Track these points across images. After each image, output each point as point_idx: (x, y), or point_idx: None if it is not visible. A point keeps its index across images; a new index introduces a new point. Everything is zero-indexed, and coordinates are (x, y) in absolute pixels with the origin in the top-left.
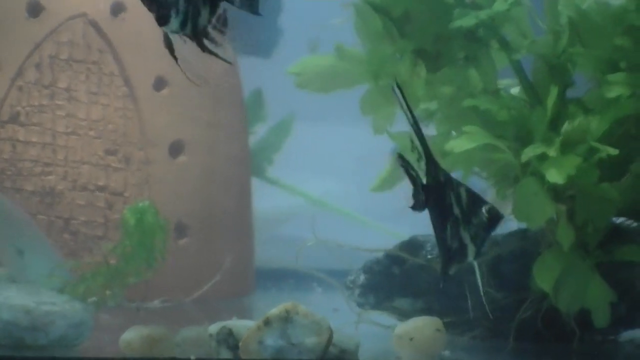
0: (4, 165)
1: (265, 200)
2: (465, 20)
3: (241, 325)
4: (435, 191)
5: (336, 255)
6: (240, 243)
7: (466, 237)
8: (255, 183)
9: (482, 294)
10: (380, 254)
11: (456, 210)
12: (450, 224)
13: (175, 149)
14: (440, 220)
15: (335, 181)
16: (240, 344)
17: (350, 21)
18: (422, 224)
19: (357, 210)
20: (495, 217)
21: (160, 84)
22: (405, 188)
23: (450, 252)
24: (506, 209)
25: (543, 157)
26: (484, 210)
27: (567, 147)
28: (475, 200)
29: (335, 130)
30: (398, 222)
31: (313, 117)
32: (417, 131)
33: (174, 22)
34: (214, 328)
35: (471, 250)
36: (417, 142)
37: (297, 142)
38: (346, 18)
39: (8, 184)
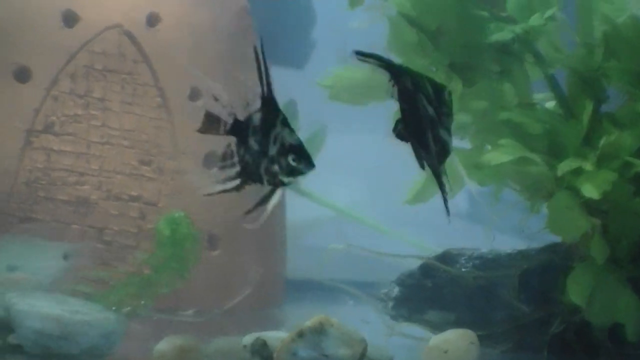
0: (38, 175)
1: (294, 210)
2: (502, 35)
3: (275, 337)
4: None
5: (364, 266)
6: (272, 254)
7: (444, 133)
8: (287, 194)
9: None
10: (412, 267)
11: (430, 111)
12: (430, 129)
13: (209, 160)
14: (423, 143)
15: (361, 191)
16: (274, 355)
17: (383, 33)
18: (448, 235)
19: (383, 219)
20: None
21: (195, 94)
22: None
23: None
24: None
25: (578, 172)
26: (446, 94)
27: (602, 161)
28: (436, 86)
29: (361, 140)
30: (423, 231)
31: (341, 127)
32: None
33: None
34: (247, 339)
35: (450, 141)
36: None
37: (324, 152)
38: (377, 29)
39: (42, 193)
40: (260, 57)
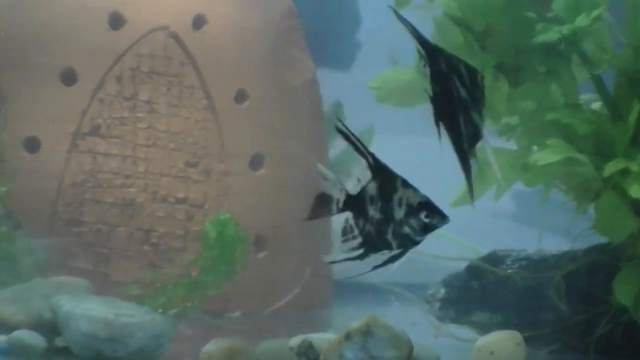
0: (84, 177)
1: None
2: (548, 35)
3: (321, 339)
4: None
5: (412, 267)
6: (318, 255)
7: (476, 116)
8: None
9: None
10: (458, 268)
11: (463, 93)
12: (462, 112)
13: (256, 162)
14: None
15: None
16: (321, 357)
17: (430, 34)
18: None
19: None
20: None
21: (241, 96)
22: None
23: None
24: None
25: (625, 172)
26: (479, 78)
27: None
28: (469, 70)
29: (408, 141)
30: (470, 233)
31: (389, 129)
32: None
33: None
34: (294, 341)
35: (481, 125)
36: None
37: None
38: (423, 29)
39: (88, 195)
40: (349, 132)
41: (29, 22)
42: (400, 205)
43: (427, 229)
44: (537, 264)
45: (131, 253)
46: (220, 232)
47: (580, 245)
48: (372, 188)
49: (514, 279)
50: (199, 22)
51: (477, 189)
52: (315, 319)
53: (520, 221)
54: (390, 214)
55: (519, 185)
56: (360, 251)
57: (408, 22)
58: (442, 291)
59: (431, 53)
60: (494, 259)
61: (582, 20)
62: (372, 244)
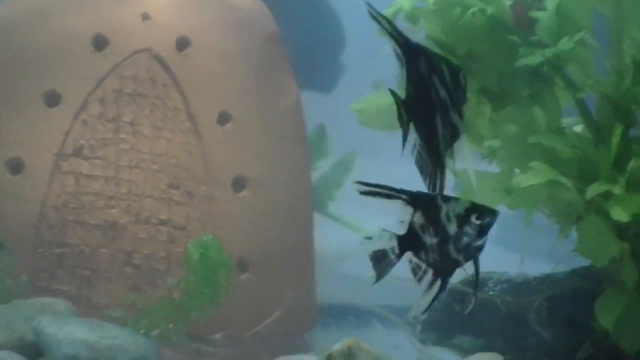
0: (67, 199)
1: (325, 236)
2: (531, 59)
3: None
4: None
5: (395, 290)
6: (301, 279)
7: (455, 116)
8: (317, 218)
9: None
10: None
11: (442, 93)
12: (440, 112)
13: (239, 184)
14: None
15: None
16: None
17: None
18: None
19: None
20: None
21: (224, 118)
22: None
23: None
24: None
25: (607, 195)
26: (461, 76)
27: (632, 185)
28: (452, 68)
29: (394, 165)
30: None
31: (373, 152)
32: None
33: None
34: None
35: (460, 124)
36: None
37: (357, 177)
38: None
39: (71, 217)
40: (379, 190)
41: (11, 43)
42: (449, 220)
43: (483, 230)
44: (520, 287)
45: (114, 275)
46: (203, 255)
47: (563, 268)
48: (418, 218)
49: (496, 302)
50: (182, 44)
51: None
52: (297, 342)
53: (502, 244)
54: (445, 234)
55: (502, 208)
56: (438, 283)
57: (386, 20)
58: (424, 314)
59: (409, 53)
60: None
61: (565, 44)
62: (443, 269)
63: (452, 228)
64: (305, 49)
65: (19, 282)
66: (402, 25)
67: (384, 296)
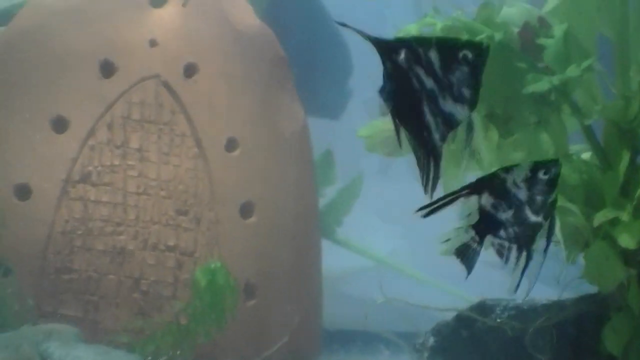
0: (75, 225)
1: (331, 259)
2: (539, 86)
3: None
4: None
5: (402, 316)
6: (309, 303)
7: (448, 104)
8: (324, 244)
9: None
10: (448, 317)
11: (429, 83)
12: (428, 103)
13: (246, 210)
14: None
15: (401, 240)
16: None
17: None
18: (487, 285)
19: (423, 269)
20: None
21: (231, 145)
22: None
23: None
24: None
25: (615, 222)
26: (461, 55)
27: (639, 212)
28: (445, 53)
29: (401, 188)
30: (463, 282)
31: (379, 176)
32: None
33: None
34: None
35: (456, 112)
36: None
37: (363, 200)
38: None
39: (79, 243)
40: (440, 204)
41: (19, 68)
42: (518, 187)
43: (553, 182)
44: (527, 313)
45: (121, 300)
46: (211, 281)
47: (570, 294)
48: (486, 200)
49: (504, 329)
50: (190, 70)
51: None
52: None
53: (510, 270)
54: (519, 201)
55: None
56: (524, 254)
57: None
58: (431, 340)
59: (383, 51)
60: (483, 308)
61: (572, 71)
62: (526, 238)
63: (523, 193)
64: (312, 74)
65: (26, 307)
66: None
67: (391, 321)
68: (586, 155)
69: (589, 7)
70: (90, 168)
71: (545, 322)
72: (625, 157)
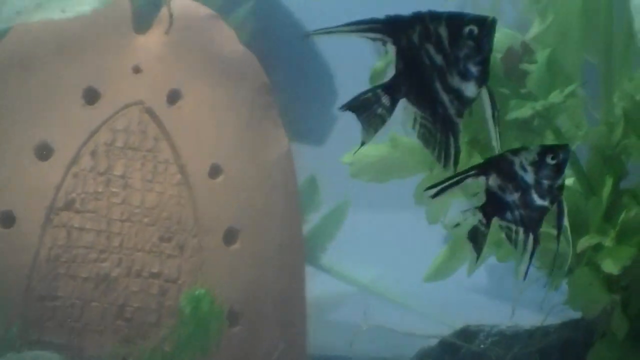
0: (59, 252)
1: (316, 285)
2: (522, 112)
3: None
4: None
5: (387, 342)
6: (293, 330)
7: (457, 80)
8: (308, 270)
9: None
10: (432, 343)
11: (439, 59)
12: (438, 77)
13: (230, 237)
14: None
15: (385, 267)
16: None
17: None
18: (472, 312)
19: (408, 295)
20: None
21: (215, 171)
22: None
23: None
24: None
25: (598, 248)
26: (466, 30)
27: (622, 237)
28: (453, 27)
29: (385, 216)
30: (447, 308)
31: (363, 203)
32: None
33: None
34: None
35: (463, 88)
36: None
37: (347, 227)
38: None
39: (62, 270)
40: (447, 184)
41: (2, 95)
42: (525, 170)
43: (561, 166)
44: (511, 339)
45: (105, 327)
46: (195, 308)
47: (554, 320)
48: (494, 181)
49: (488, 355)
50: (173, 97)
51: (451, 264)
52: None
53: (493, 296)
54: (525, 184)
55: (492, 260)
56: (531, 238)
57: (346, 24)
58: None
59: (397, 29)
60: (466, 334)
61: (555, 97)
62: (532, 222)
63: (530, 176)
64: (296, 99)
65: (11, 334)
66: None
67: (376, 348)
68: (569, 181)
69: (573, 33)
70: (74, 195)
71: (529, 347)
72: (609, 183)
